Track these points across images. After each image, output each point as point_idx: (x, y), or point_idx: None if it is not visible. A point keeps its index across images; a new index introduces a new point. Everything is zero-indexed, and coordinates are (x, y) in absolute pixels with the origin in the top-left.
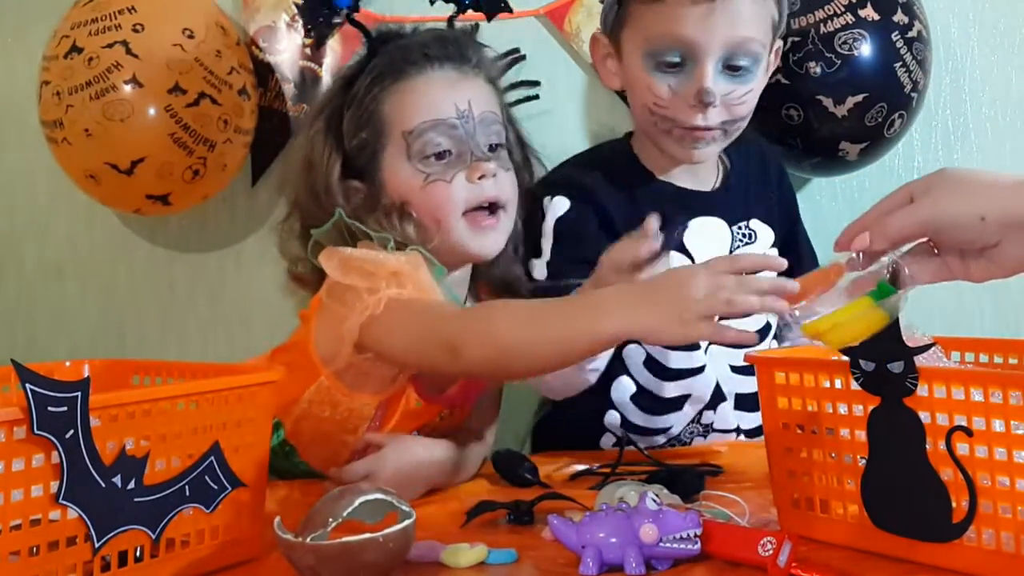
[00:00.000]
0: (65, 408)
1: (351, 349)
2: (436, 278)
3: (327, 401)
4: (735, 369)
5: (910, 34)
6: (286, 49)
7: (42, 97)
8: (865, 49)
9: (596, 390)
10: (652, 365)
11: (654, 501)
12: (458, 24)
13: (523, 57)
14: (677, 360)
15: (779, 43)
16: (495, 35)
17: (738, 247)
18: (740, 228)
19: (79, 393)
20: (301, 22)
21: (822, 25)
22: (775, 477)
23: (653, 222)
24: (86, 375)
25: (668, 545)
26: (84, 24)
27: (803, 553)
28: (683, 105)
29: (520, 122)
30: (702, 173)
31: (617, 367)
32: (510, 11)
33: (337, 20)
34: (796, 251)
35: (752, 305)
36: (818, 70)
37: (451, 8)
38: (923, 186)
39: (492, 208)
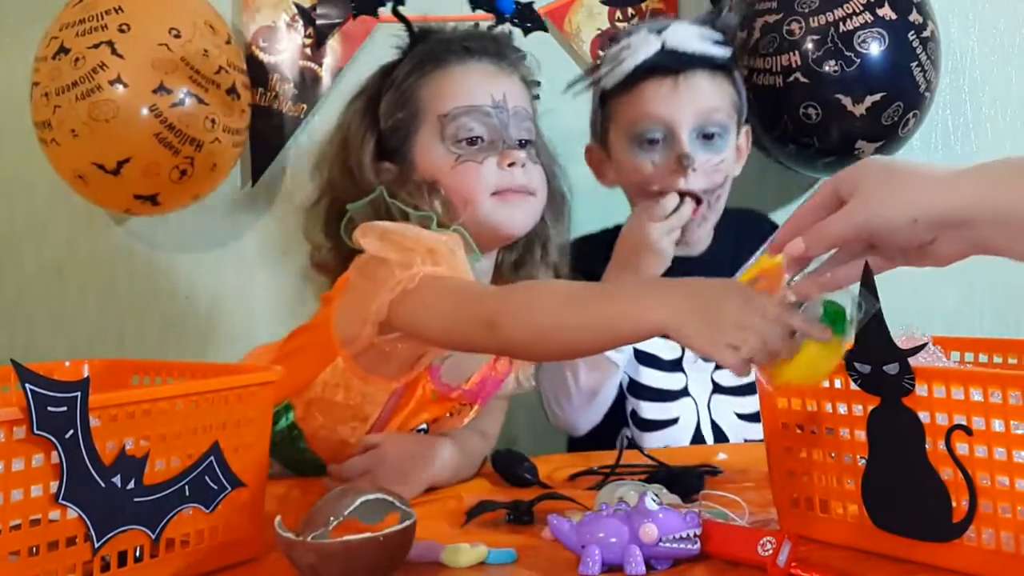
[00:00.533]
0: (65, 408)
1: (375, 329)
2: (472, 263)
3: (341, 384)
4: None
5: (924, 34)
6: (286, 49)
7: (33, 98)
8: (883, 48)
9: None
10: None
11: (654, 501)
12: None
13: (524, 57)
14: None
15: (746, 126)
16: None
17: None
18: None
19: (79, 393)
20: (351, 10)
21: (841, 24)
22: (775, 477)
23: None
24: (86, 375)
25: (668, 545)
26: (72, 25)
27: (803, 553)
28: (666, 173)
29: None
30: (690, 243)
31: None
32: (546, 30)
33: (383, 9)
34: None
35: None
36: (837, 69)
37: (490, 18)
38: (850, 183)
39: (524, 191)
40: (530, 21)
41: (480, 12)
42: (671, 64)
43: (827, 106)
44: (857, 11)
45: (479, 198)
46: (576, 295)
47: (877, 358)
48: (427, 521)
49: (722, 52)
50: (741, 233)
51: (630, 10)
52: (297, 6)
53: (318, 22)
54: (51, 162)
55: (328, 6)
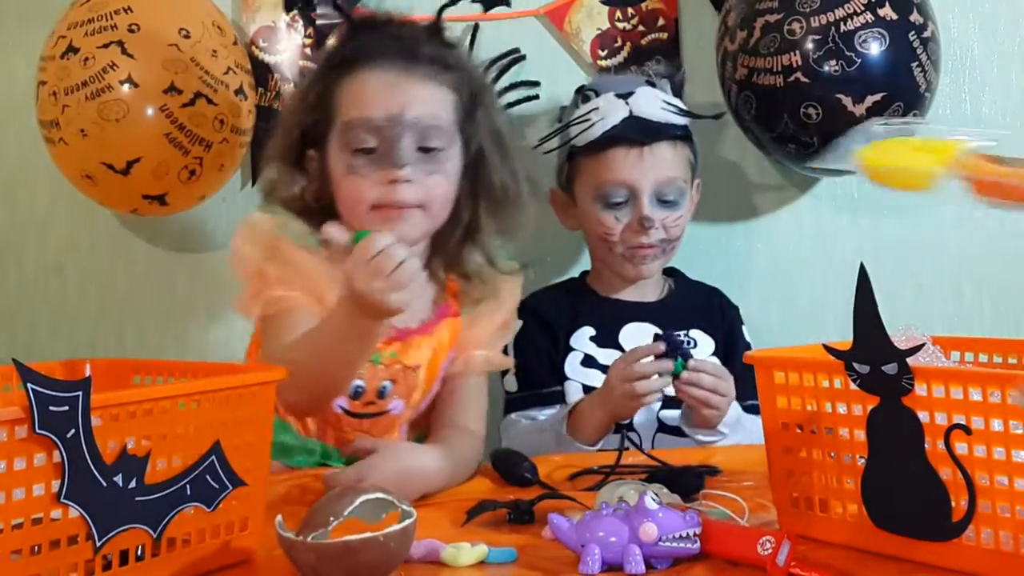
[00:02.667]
0: (66, 407)
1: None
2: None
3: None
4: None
5: (925, 34)
6: (286, 49)
7: (39, 97)
8: (883, 48)
9: None
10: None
11: (654, 500)
12: (451, 23)
13: (523, 57)
14: None
15: (698, 180)
16: (495, 35)
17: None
18: (677, 335)
19: (80, 393)
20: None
21: (842, 24)
22: (774, 476)
23: (659, 345)
24: (87, 375)
25: (668, 544)
26: (80, 24)
27: (802, 552)
28: (629, 231)
29: (503, 124)
30: (643, 290)
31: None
32: (508, 5)
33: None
34: (732, 364)
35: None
36: (837, 68)
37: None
38: None
39: (400, 207)
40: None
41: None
42: (638, 136)
43: (827, 106)
44: (858, 11)
45: (358, 212)
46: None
47: (876, 358)
48: (428, 520)
49: (682, 121)
50: (696, 297)
51: (630, 10)
52: (335, 5)
53: (318, 22)
54: (57, 162)
55: (328, 6)
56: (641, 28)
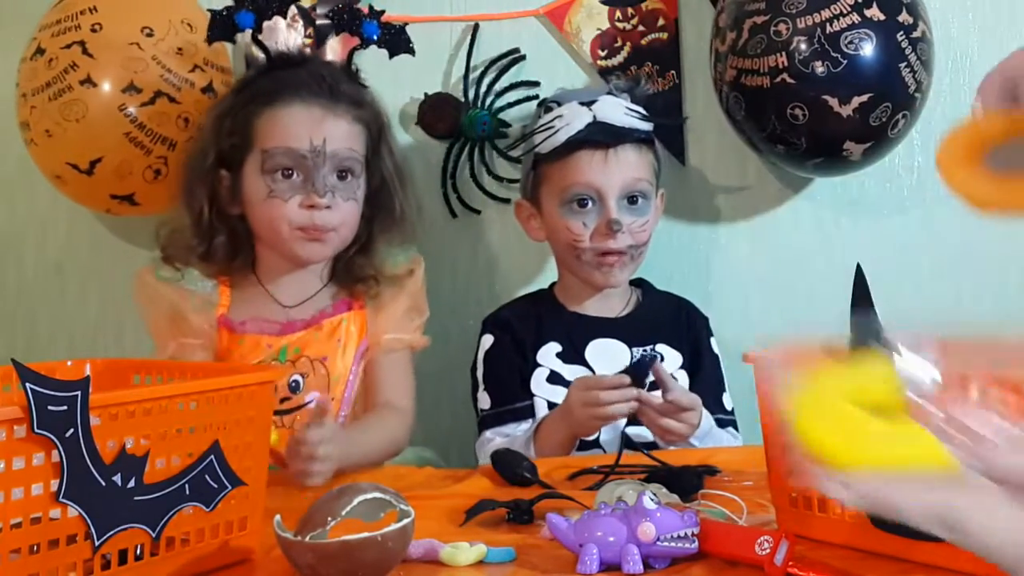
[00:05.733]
0: (65, 407)
1: None
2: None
3: None
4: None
5: (915, 34)
6: (283, 46)
7: (16, 99)
8: (870, 49)
9: None
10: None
11: (652, 500)
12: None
13: (523, 57)
14: None
15: (662, 190)
16: (495, 35)
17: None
18: (644, 350)
19: (79, 392)
20: (207, 38)
21: (828, 24)
22: (773, 476)
23: (624, 378)
24: (87, 374)
25: (666, 544)
26: (50, 26)
27: (801, 552)
28: (597, 235)
29: (400, 157)
30: (610, 303)
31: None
32: (412, 54)
33: (239, 37)
34: (698, 377)
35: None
36: (823, 69)
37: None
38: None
39: (321, 231)
40: (396, 44)
41: (479, 10)
42: (603, 138)
43: (814, 107)
44: (844, 12)
45: (282, 232)
46: None
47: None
48: (427, 520)
49: (646, 126)
50: (663, 310)
51: (630, 10)
52: (255, 39)
53: (318, 22)
54: (35, 162)
55: (328, 6)
56: (641, 28)
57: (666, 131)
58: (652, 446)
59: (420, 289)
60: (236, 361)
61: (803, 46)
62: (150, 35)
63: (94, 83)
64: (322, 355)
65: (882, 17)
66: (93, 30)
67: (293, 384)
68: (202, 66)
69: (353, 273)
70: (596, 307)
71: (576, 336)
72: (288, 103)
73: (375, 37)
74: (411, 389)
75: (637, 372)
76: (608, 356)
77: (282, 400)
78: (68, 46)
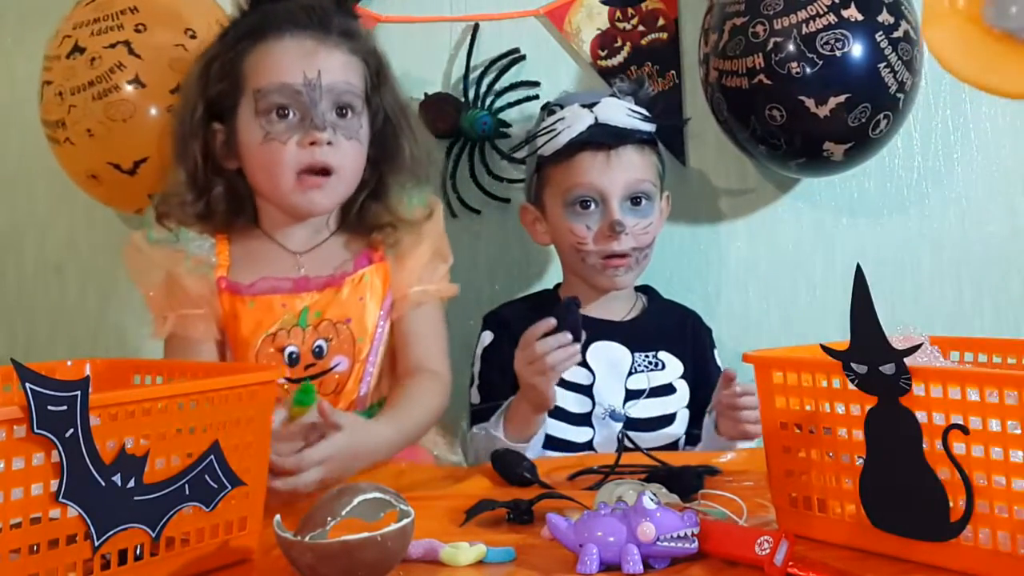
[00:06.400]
0: (65, 407)
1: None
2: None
3: None
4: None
5: (896, 34)
6: None
7: (44, 97)
8: (848, 49)
9: None
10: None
11: (652, 500)
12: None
13: (523, 57)
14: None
15: (667, 192)
16: (495, 35)
17: (639, 371)
18: (646, 356)
19: (79, 392)
20: None
21: (804, 25)
22: (773, 476)
23: (550, 320)
24: (87, 374)
25: (665, 544)
26: (86, 24)
27: (801, 552)
28: (600, 237)
29: (405, 99)
30: (614, 307)
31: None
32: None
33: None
34: (705, 385)
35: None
36: (799, 70)
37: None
38: None
39: (323, 172)
40: None
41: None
42: (604, 140)
43: (791, 108)
44: (821, 13)
45: (281, 180)
46: None
47: (874, 358)
48: (427, 520)
49: (648, 127)
50: (667, 319)
51: (630, 10)
52: None
53: None
54: (61, 162)
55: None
56: (641, 28)
57: (667, 132)
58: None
59: (441, 233)
60: (247, 326)
61: (780, 47)
62: (193, 37)
63: (142, 83)
64: (345, 317)
65: (860, 17)
66: (137, 30)
67: (316, 350)
68: None
69: (367, 221)
70: (600, 310)
71: (567, 304)
72: (275, 38)
73: None
74: (444, 346)
75: (565, 316)
76: (609, 360)
77: (307, 366)
78: (112, 45)
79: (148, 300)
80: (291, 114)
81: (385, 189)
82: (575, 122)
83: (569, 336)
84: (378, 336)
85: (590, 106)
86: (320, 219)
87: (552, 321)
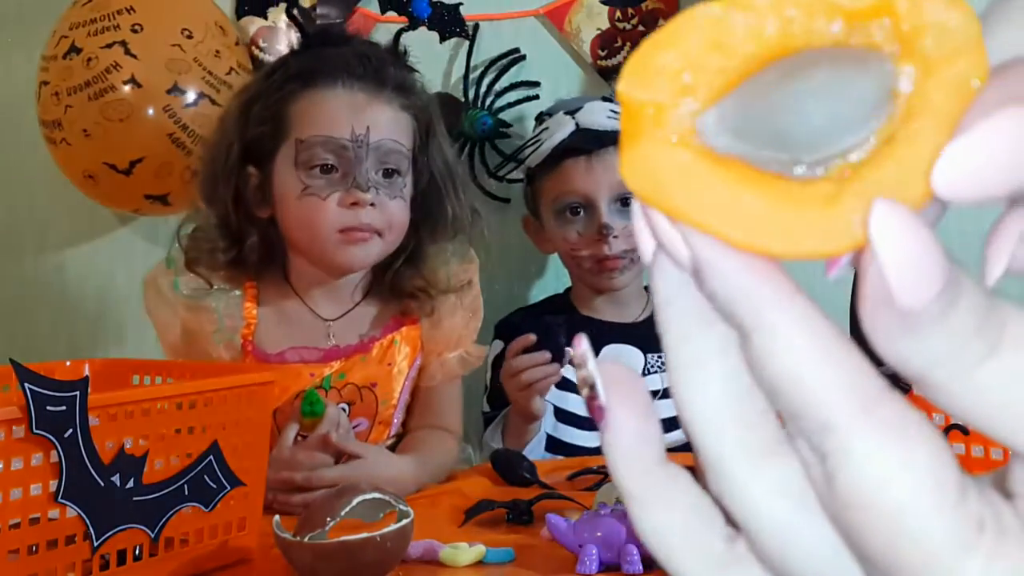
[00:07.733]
0: (64, 407)
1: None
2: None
3: None
4: None
5: None
6: (286, 49)
7: (41, 97)
8: None
9: None
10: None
11: None
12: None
13: (523, 57)
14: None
15: None
16: (495, 35)
17: (653, 372)
18: (659, 356)
19: (78, 392)
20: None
21: None
22: None
23: (530, 336)
24: (86, 374)
25: None
26: (83, 24)
27: None
28: (591, 242)
29: (452, 156)
30: (625, 308)
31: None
32: (466, 36)
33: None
34: None
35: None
36: None
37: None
38: None
39: (367, 231)
40: (450, 25)
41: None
42: (585, 144)
43: None
44: None
45: (323, 235)
46: None
47: (873, 358)
48: (426, 520)
49: None
50: None
51: (630, 10)
52: (290, 15)
53: (318, 22)
54: (58, 162)
55: (328, 6)
56: (641, 28)
57: None
58: None
59: (477, 295)
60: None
61: None
62: (189, 37)
63: (139, 84)
64: (371, 381)
65: None
66: (134, 30)
67: None
68: (236, 69)
69: (401, 288)
70: (610, 312)
71: (552, 325)
72: (326, 87)
73: (425, 17)
74: (461, 408)
75: (547, 334)
76: (622, 362)
77: None
78: (108, 46)
79: (164, 342)
80: (333, 169)
81: (423, 255)
82: (557, 130)
83: (547, 355)
84: (402, 401)
85: (573, 112)
86: (350, 282)
87: (532, 337)
